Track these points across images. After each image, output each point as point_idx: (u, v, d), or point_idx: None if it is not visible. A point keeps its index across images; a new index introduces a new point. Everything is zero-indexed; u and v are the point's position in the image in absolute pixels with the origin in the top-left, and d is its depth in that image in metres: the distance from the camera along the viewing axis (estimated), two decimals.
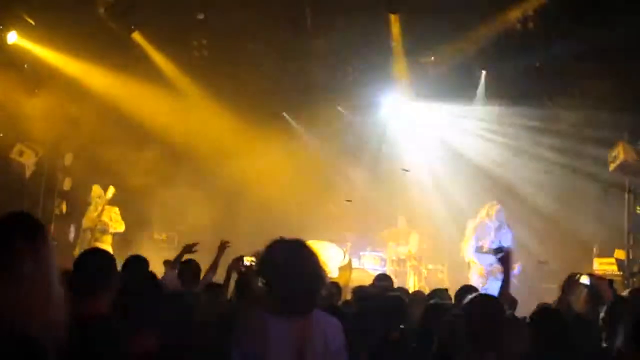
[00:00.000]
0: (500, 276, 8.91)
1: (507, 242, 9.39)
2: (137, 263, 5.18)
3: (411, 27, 10.84)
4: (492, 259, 9.22)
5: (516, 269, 9.02)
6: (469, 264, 9.84)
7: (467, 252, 9.80)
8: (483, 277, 9.47)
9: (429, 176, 12.56)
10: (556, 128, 11.36)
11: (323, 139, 12.83)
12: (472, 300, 3.32)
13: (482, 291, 8.82)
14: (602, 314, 3.91)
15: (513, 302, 4.98)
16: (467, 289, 4.85)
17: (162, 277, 5.97)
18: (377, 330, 4.27)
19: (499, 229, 9.49)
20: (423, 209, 12.05)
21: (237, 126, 12.24)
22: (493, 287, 8.92)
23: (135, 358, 3.23)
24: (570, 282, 4.19)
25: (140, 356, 3.29)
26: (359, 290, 5.51)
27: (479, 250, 9.47)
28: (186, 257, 6.10)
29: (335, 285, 6.01)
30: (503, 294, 4.07)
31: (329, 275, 7.40)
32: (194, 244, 6.39)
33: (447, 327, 3.54)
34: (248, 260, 5.12)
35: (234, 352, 3.06)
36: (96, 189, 11.01)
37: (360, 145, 13.36)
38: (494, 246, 9.25)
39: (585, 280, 4.15)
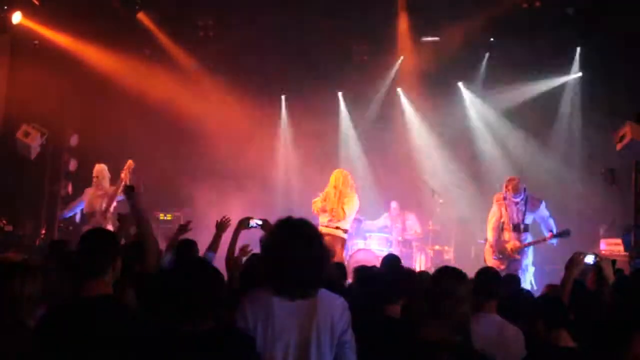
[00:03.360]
0: (517, 256, 8.76)
1: (541, 213, 9.06)
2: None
3: (418, 6, 10.75)
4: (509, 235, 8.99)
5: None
6: (487, 242, 9.26)
7: (489, 231, 9.25)
8: (499, 259, 9.05)
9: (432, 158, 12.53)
10: (563, 107, 11.29)
11: (324, 123, 12.64)
12: None
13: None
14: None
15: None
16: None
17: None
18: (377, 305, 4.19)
19: (522, 203, 9.08)
20: (425, 190, 11.90)
21: (241, 107, 12.17)
22: (513, 268, 8.73)
23: None
24: (574, 261, 4.17)
25: None
26: (361, 270, 5.41)
27: (514, 228, 9.01)
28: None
29: (340, 265, 5.98)
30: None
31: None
32: (188, 222, 6.40)
33: None
34: (254, 222, 5.11)
35: (239, 322, 3.07)
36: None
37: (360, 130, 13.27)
38: (524, 222, 9.04)
39: (589, 259, 4.13)
